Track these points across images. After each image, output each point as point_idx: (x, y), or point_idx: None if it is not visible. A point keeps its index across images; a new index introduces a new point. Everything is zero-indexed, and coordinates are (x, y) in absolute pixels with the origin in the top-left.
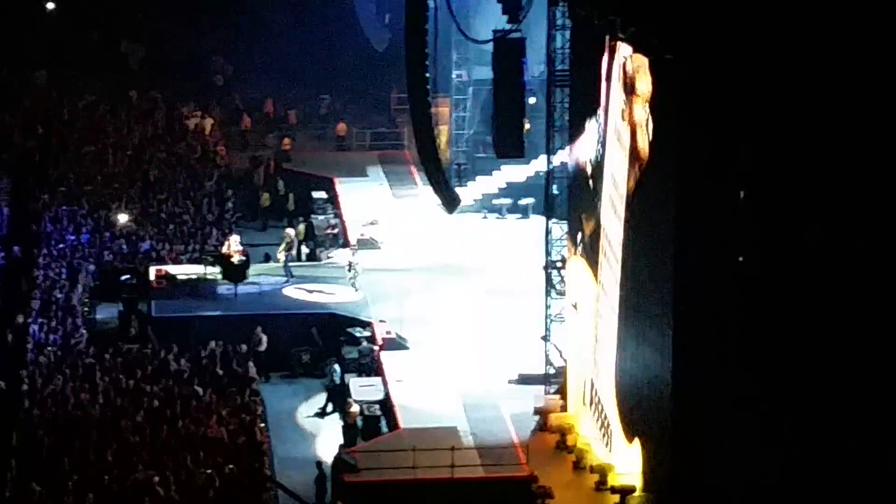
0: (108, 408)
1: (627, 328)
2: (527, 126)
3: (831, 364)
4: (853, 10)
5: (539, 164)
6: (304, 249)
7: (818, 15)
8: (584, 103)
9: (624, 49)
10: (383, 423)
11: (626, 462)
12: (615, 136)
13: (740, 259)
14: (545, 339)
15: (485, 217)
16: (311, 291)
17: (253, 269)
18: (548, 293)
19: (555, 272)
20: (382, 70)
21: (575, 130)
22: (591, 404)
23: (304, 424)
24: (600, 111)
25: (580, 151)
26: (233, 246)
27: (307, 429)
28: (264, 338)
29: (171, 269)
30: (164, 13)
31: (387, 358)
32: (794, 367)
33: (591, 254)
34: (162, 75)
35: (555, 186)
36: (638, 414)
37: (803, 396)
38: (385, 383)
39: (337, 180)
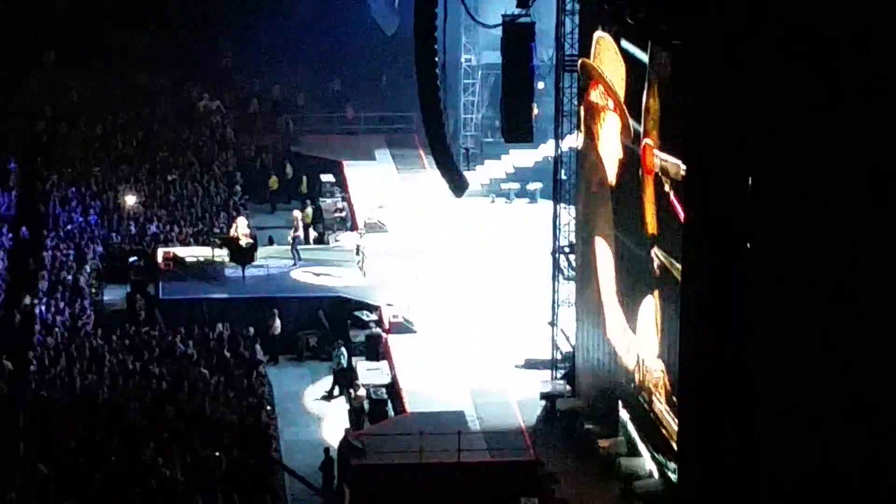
0: (115, 390)
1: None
2: (535, 111)
3: (838, 353)
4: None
5: (547, 149)
6: (313, 233)
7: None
8: None
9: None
10: (390, 406)
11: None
12: None
13: (748, 246)
14: (552, 324)
15: (493, 201)
16: (318, 275)
17: (260, 252)
18: (555, 278)
19: (562, 257)
20: (391, 54)
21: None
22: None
23: (310, 408)
24: None
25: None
26: (240, 229)
27: (314, 412)
28: (278, 322)
29: (179, 251)
30: None
31: (394, 342)
32: (801, 356)
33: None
34: (170, 58)
35: (563, 171)
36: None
37: (809, 387)
38: (392, 367)
39: (345, 163)
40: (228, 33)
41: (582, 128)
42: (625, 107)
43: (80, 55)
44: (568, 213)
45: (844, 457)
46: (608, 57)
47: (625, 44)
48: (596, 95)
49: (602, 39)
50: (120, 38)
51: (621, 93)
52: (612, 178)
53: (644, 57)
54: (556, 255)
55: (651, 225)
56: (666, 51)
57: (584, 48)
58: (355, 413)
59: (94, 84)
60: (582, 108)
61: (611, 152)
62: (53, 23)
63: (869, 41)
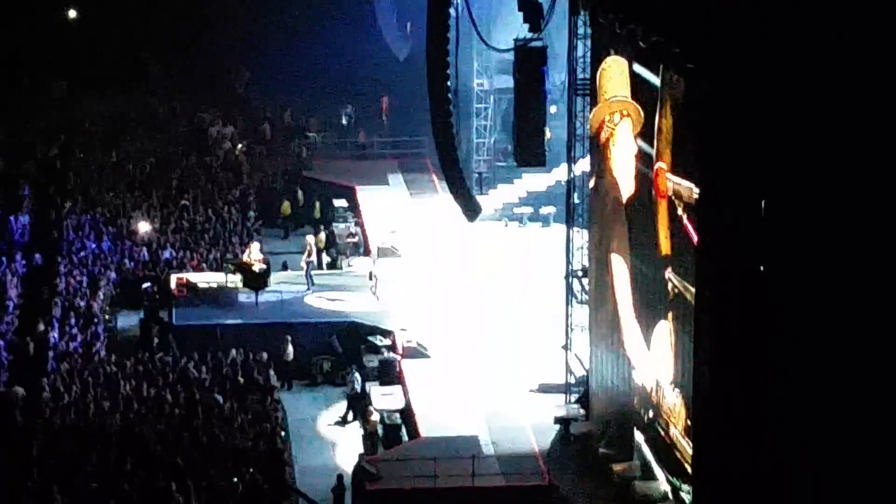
0: (129, 416)
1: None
2: (548, 135)
3: (854, 376)
4: (875, 23)
5: (560, 173)
6: (326, 258)
7: (840, 23)
8: None
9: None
10: (404, 431)
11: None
12: None
13: (761, 269)
14: (566, 348)
15: (506, 225)
16: (331, 300)
17: (274, 278)
18: (568, 302)
19: (576, 281)
20: (404, 79)
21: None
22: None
23: (324, 433)
24: None
25: None
26: (254, 254)
27: (328, 437)
28: (290, 348)
29: (192, 277)
30: (185, 22)
31: (407, 366)
32: (815, 379)
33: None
34: (183, 84)
35: (576, 195)
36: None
37: (825, 410)
38: (406, 392)
39: (358, 188)
40: (241, 59)
41: (596, 147)
42: (638, 106)
43: (93, 81)
44: (581, 237)
45: (861, 481)
46: (613, 75)
47: (637, 67)
48: (604, 111)
49: (608, 64)
50: (133, 64)
51: (627, 94)
52: (625, 190)
53: (656, 80)
54: (570, 279)
55: (665, 247)
56: (679, 74)
57: (594, 74)
58: (369, 438)
59: (108, 110)
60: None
61: (625, 163)
62: (66, 49)
63: (884, 65)
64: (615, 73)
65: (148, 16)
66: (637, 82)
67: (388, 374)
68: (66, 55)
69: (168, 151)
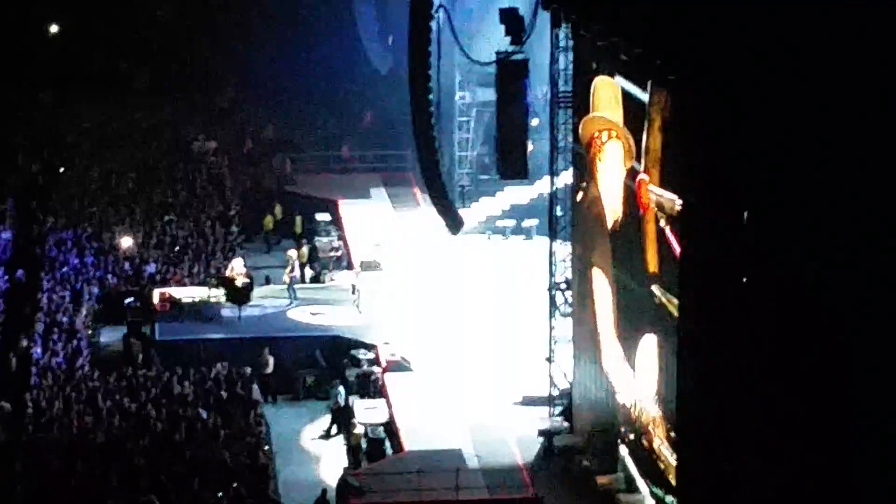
0: (113, 431)
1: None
2: (530, 147)
3: (837, 387)
4: (861, 35)
5: (543, 186)
6: (309, 272)
7: (824, 36)
8: None
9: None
10: (388, 445)
11: None
12: None
13: (744, 280)
14: (549, 360)
15: (489, 238)
16: (314, 314)
17: (257, 292)
18: (552, 314)
19: (559, 293)
20: (386, 92)
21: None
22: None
23: (308, 447)
24: None
25: None
26: (236, 269)
27: (311, 451)
28: (271, 360)
29: (175, 292)
30: (168, 35)
31: (391, 380)
32: (798, 389)
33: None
34: (166, 97)
35: (558, 208)
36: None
37: (808, 420)
38: (389, 405)
39: (341, 202)
40: (224, 73)
41: (579, 163)
42: (626, 131)
43: (77, 94)
44: (564, 250)
45: (848, 490)
46: (604, 96)
47: (620, 80)
48: (594, 125)
49: (600, 83)
50: (116, 77)
51: (619, 120)
52: (610, 213)
53: (643, 96)
54: (553, 291)
55: (652, 263)
56: (663, 86)
57: (579, 92)
58: (353, 452)
59: (91, 124)
60: (580, 139)
61: (611, 185)
62: (50, 62)
63: (867, 76)
64: (606, 96)
65: (132, 27)
66: (624, 98)
67: (372, 388)
68: (51, 66)
69: (151, 166)
